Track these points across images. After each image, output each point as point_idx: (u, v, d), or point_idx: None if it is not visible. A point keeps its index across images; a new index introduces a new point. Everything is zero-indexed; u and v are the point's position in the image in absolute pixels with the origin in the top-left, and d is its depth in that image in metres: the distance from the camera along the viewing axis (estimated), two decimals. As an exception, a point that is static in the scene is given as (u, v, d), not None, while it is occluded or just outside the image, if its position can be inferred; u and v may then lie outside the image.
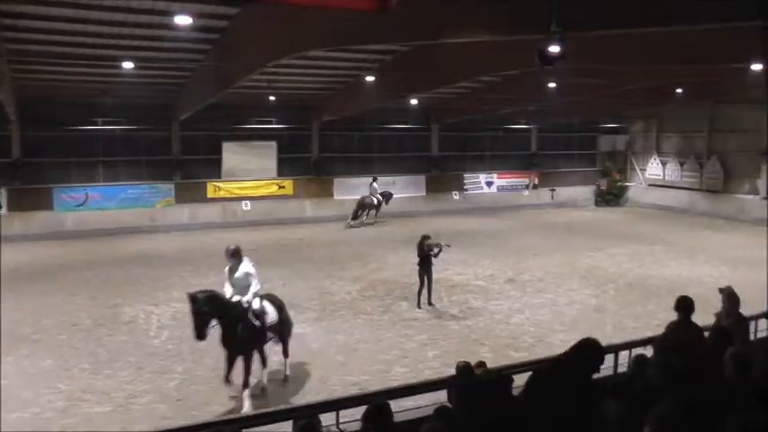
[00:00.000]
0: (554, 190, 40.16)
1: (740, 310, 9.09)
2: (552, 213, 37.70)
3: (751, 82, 22.13)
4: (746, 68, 18.79)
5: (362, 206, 32.19)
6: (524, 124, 39.55)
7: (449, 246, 18.59)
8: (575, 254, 25.44)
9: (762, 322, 12.84)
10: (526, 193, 39.64)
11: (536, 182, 40.06)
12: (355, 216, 31.88)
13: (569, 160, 41.82)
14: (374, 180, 33.33)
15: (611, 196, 41.15)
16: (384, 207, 33.11)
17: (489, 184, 38.78)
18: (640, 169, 41.80)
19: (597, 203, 41.13)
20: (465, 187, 38.12)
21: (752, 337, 12.25)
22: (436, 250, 17.93)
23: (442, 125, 37.18)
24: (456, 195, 37.49)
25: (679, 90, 29.16)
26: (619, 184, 41.57)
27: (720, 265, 23.90)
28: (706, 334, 8.94)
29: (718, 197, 36.78)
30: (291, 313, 13.10)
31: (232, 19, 18.53)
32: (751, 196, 35.10)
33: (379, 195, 33.00)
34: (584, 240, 28.46)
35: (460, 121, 36.11)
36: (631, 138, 42.84)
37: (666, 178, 39.85)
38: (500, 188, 39.30)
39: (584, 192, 41.53)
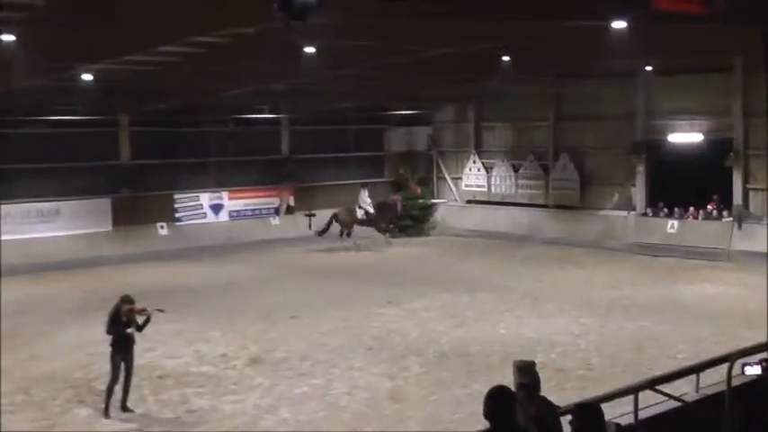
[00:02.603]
0: (312, 215, 40.81)
1: (543, 394, 9.52)
2: (319, 251, 38.39)
3: (612, 47, 23.71)
4: (605, 27, 20.06)
5: (346, 220, 38.66)
6: (270, 113, 39.99)
7: (162, 311, 18.32)
8: (357, 313, 25.93)
9: (647, 395, 13.60)
10: (276, 220, 39.87)
11: (291, 202, 40.69)
12: (320, 234, 38.56)
13: (342, 167, 42.87)
14: (363, 187, 39.33)
15: (409, 221, 42.55)
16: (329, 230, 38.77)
17: (216, 208, 38.89)
18: (453, 178, 43.50)
19: (389, 232, 42.26)
20: (177, 215, 38.03)
21: (633, 417, 12.98)
22: (141, 321, 17.59)
23: (136, 116, 36.87)
24: (163, 228, 37.25)
25: (505, 58, 30.67)
26: (420, 201, 43.01)
27: (581, 315, 25.31)
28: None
29: (573, 216, 39.21)
30: None
31: None
32: (623, 212, 37.70)
33: (369, 207, 38.59)
34: (370, 291, 29.13)
35: (167, 110, 35.93)
36: (437, 131, 44.60)
37: (493, 190, 41.84)
38: (234, 214, 39.63)
39: (370, 216, 42.58)
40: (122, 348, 17.53)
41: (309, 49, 25.05)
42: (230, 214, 39.53)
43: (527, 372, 9.56)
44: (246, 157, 40.23)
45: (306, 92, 35.20)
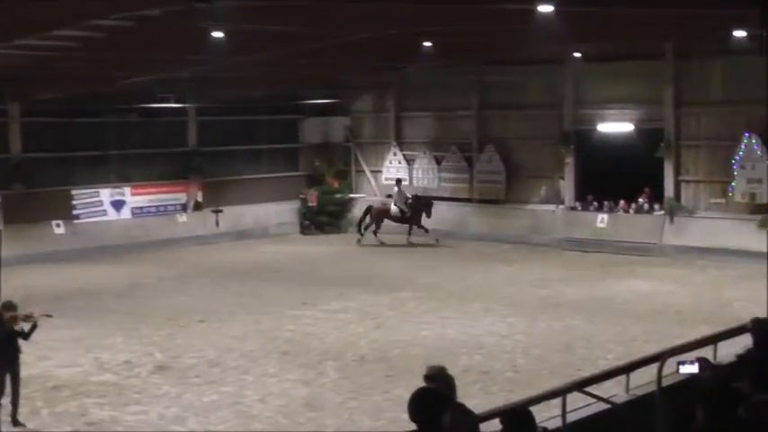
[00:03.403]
0: (220, 211, 40.66)
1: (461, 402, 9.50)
2: (230, 250, 38.27)
3: (539, 32, 23.84)
4: (531, 10, 20.19)
5: (377, 215, 39.28)
6: (176, 102, 39.57)
7: (50, 316, 18.09)
8: (270, 315, 25.89)
9: (576, 397, 13.74)
10: (183, 217, 39.78)
11: (199, 198, 40.44)
12: (359, 228, 39.47)
13: (253, 160, 42.83)
14: (398, 183, 39.85)
15: (325, 217, 42.63)
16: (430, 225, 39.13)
17: (118, 204, 38.49)
18: (372, 171, 43.55)
19: (304, 230, 42.45)
20: (75, 212, 37.50)
21: (561, 420, 13.10)
22: (27, 327, 17.36)
23: (28, 105, 36.38)
24: (59, 227, 36.75)
25: (427, 43, 30.79)
26: (338, 196, 43.09)
27: (508, 314, 25.52)
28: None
29: (499, 210, 39.43)
30: None
31: None
32: (551, 206, 38.05)
33: (403, 204, 38.94)
34: (284, 292, 29.11)
35: (64, 98, 35.52)
36: (355, 121, 44.55)
37: (415, 184, 41.80)
38: (137, 211, 39.12)
39: (282, 212, 42.68)
40: (6, 358, 17.20)
41: (218, 34, 24.97)
42: (133, 211, 39.02)
43: (437, 378, 9.49)
44: (150, 150, 39.84)
45: (214, 80, 34.98)
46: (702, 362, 12.11)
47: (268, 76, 36.15)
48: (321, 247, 39.15)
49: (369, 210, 39.68)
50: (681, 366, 11.99)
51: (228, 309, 26.92)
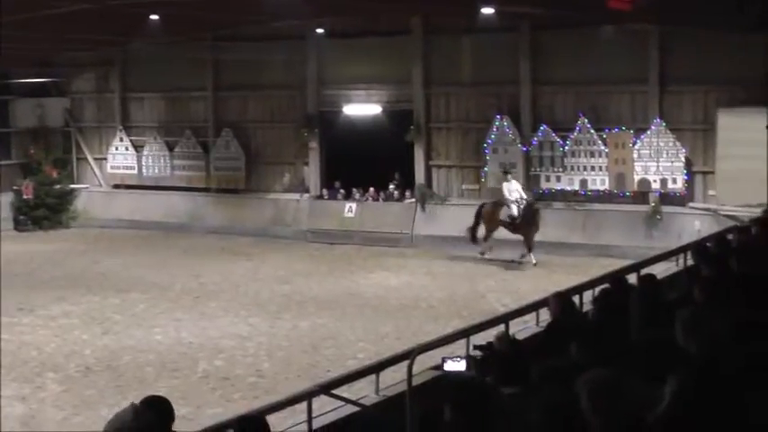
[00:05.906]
0: None
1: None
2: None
3: (276, 4, 24.04)
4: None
5: (489, 217, 32.25)
6: None
7: None
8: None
9: (324, 401, 14.07)
10: None
11: None
12: (473, 235, 32.31)
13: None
14: (507, 173, 33.05)
15: (43, 211, 41.80)
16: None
17: None
18: (96, 159, 43.02)
19: (19, 226, 41.63)
20: None
21: (307, 426, 13.42)
22: None
23: None
24: None
25: (153, 16, 30.64)
26: (57, 187, 42.35)
27: (249, 314, 25.83)
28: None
29: (238, 200, 39.78)
30: None
31: None
32: (295, 195, 38.50)
33: (514, 205, 32.02)
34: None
35: None
36: (75, 103, 43.90)
37: (145, 173, 41.70)
38: None
39: (-8, 205, 41.60)
40: None
41: None
42: None
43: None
44: None
45: None
46: (470, 359, 12.51)
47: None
48: (39, 245, 38.34)
49: (481, 210, 32.71)
50: (446, 363, 12.33)
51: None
